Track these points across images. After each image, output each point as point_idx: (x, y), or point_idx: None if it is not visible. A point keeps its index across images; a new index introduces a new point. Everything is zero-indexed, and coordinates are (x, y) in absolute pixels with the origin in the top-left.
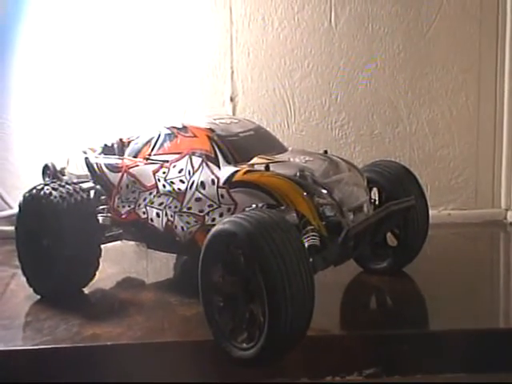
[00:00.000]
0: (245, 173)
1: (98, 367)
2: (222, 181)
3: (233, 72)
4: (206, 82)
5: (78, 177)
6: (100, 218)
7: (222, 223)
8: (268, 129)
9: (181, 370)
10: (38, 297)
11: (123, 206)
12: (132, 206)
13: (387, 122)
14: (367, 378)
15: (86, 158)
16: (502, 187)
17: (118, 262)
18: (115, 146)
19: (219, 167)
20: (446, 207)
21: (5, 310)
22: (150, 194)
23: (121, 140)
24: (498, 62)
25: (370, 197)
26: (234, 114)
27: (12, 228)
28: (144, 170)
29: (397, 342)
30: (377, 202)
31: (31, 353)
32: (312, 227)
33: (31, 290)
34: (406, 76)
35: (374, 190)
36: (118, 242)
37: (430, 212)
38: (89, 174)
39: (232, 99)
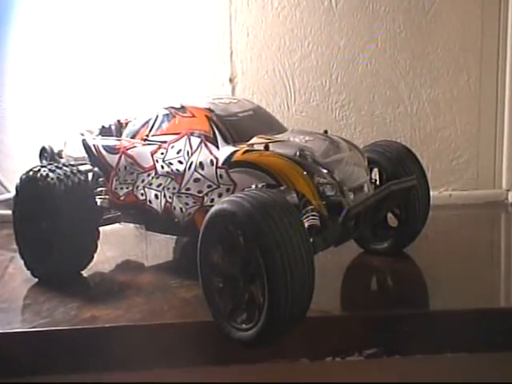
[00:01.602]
0: (244, 153)
1: (96, 349)
2: (220, 161)
3: (232, 53)
4: (204, 63)
5: (76, 159)
6: (98, 201)
7: (221, 203)
8: (268, 110)
9: (180, 352)
10: (37, 280)
11: (121, 188)
12: (130, 188)
13: (388, 102)
14: (368, 359)
15: (84, 140)
16: (504, 168)
17: (117, 245)
18: (113, 127)
19: (218, 147)
20: (447, 188)
21: (3, 293)
22: (149, 175)
23: (118, 121)
24: (500, 42)
25: (371, 177)
26: (233, 95)
27: (9, 212)
28: (142, 152)
29: (397, 323)
30: (377, 183)
31: (30, 335)
32: (312, 207)
33: (29, 273)
34: (407, 56)
35: (375, 170)
36: (118, 225)
37: (431, 193)
38: (86, 155)
39: (231, 80)
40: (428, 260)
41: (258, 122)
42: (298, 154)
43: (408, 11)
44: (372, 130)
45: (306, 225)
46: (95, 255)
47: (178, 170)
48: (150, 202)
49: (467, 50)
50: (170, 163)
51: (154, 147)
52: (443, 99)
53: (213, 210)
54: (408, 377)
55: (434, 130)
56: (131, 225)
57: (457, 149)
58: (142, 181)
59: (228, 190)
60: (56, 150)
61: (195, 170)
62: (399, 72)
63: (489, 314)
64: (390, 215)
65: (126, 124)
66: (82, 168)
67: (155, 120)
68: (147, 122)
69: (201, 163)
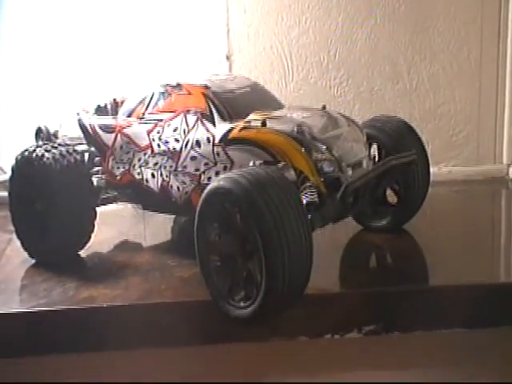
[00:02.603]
0: (241, 130)
1: (94, 329)
2: (217, 138)
3: (228, 30)
4: (201, 40)
5: (72, 139)
6: (94, 180)
7: (218, 180)
8: (266, 87)
9: (178, 331)
10: (34, 261)
11: (118, 168)
12: (127, 168)
13: (387, 78)
14: (367, 336)
15: (79, 120)
16: (504, 143)
17: (115, 225)
18: (109, 106)
19: (214, 125)
20: (447, 164)
21: (0, 274)
22: (145, 154)
23: (114, 100)
24: (501, 16)
25: (370, 153)
26: (230, 72)
27: (6, 193)
28: (138, 130)
29: (396, 299)
30: (376, 158)
31: (27, 315)
32: (310, 183)
33: (27, 254)
34: (406, 31)
35: (374, 145)
36: (116, 205)
37: (431, 169)
38: (82, 135)
39: (228, 58)
40: (427, 236)
41: (255, 98)
42: (295, 130)
43: None
44: (371, 107)
45: (304, 201)
46: (93, 235)
47: (174, 148)
48: (146, 181)
49: (468, 25)
50: (167, 141)
51: (150, 126)
52: (443, 74)
53: (209, 187)
54: (407, 353)
55: (434, 105)
56: (129, 205)
57: (457, 124)
58: (139, 160)
59: (225, 167)
60: (52, 130)
61: (192, 148)
62: (398, 47)
63: (489, 289)
64: (389, 192)
65: (122, 103)
66: (77, 148)
67: (151, 98)
68: (143, 101)
69: (197, 141)
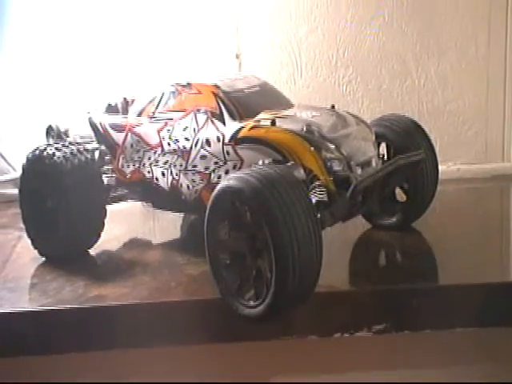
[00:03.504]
0: (250, 129)
1: (103, 328)
2: (227, 137)
3: (238, 29)
4: (210, 39)
5: (82, 137)
6: (105, 179)
7: (228, 179)
8: (275, 86)
9: (188, 329)
10: (44, 259)
11: (128, 166)
12: (137, 166)
13: (395, 75)
14: (376, 334)
15: (90, 118)
16: None
17: (124, 223)
18: (119, 105)
19: (224, 124)
20: (456, 162)
21: (11, 272)
22: (155, 152)
23: (125, 99)
24: (508, 13)
25: (379, 151)
26: (239, 71)
27: (16, 191)
28: (148, 129)
29: (406, 297)
30: (385, 157)
31: (37, 314)
32: (320, 182)
33: (36, 251)
34: (414, 28)
35: (383, 144)
36: (125, 203)
37: (439, 167)
38: (93, 134)
39: (237, 56)
40: (437, 234)
41: (265, 97)
42: (305, 129)
43: None
44: (379, 104)
45: (314, 200)
46: (102, 233)
47: (184, 146)
48: (156, 179)
49: (475, 22)
50: (177, 140)
51: (160, 124)
52: (451, 72)
53: (219, 186)
54: (417, 352)
55: (442, 103)
56: (138, 202)
57: (465, 122)
58: (149, 158)
59: (235, 166)
60: (62, 129)
61: (202, 147)
62: (406, 45)
63: (498, 287)
64: (398, 190)
65: (133, 102)
66: (88, 146)
67: (161, 97)
68: (153, 100)
69: (207, 140)
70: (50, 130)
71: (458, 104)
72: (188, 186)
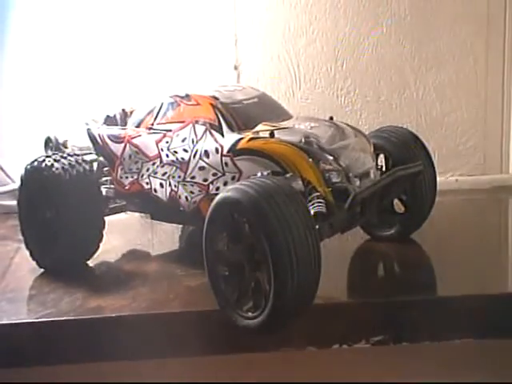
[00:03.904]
0: (249, 140)
1: (102, 339)
2: (225, 149)
3: (236, 40)
4: (209, 50)
5: (81, 149)
6: (103, 190)
7: (226, 191)
8: (273, 97)
9: (186, 341)
10: (42, 270)
11: (126, 177)
12: (135, 177)
13: (394, 87)
14: (375, 346)
15: (89, 130)
16: (511, 152)
17: (122, 234)
18: (118, 116)
19: (223, 135)
20: (454, 173)
21: (9, 284)
22: (154, 164)
23: (123, 110)
24: (506, 25)
25: (377, 163)
26: (238, 82)
27: (15, 202)
28: (147, 140)
29: (405, 309)
30: (383, 168)
31: (35, 326)
32: (318, 194)
33: (35, 263)
34: (412, 41)
35: (381, 156)
36: (123, 214)
37: (438, 178)
38: (91, 145)
39: (236, 67)
40: (435, 246)
41: (263, 109)
42: (303, 140)
43: None
44: (378, 116)
45: (312, 212)
46: (101, 245)
47: (183, 158)
48: (155, 190)
49: (473, 35)
50: (175, 151)
51: (158, 136)
52: (449, 84)
53: (218, 198)
54: (416, 364)
55: (440, 115)
56: (136, 213)
57: (463, 134)
58: (147, 169)
59: (233, 177)
60: (61, 140)
61: (200, 158)
62: (405, 57)
63: (497, 299)
64: (396, 201)
65: (131, 113)
66: (86, 157)
67: (160, 108)
68: (152, 111)
69: (206, 151)
70: (48, 142)
71: (456, 116)
72: (186, 198)
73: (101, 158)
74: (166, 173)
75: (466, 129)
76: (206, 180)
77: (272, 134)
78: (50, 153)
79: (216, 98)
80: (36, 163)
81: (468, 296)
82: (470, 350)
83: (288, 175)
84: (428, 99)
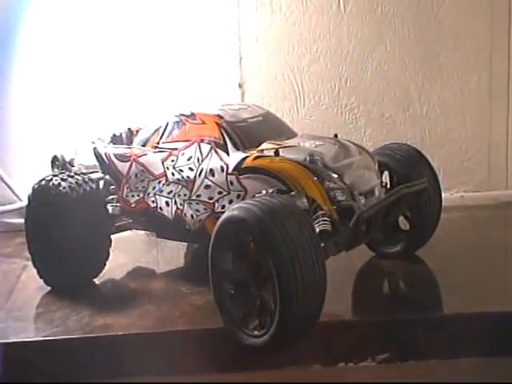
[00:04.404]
0: (254, 159)
1: (109, 357)
2: (231, 167)
3: (241, 58)
4: (214, 68)
5: (87, 167)
6: (109, 208)
7: (232, 209)
8: (277, 114)
9: (192, 359)
10: (49, 288)
11: (132, 196)
12: (141, 195)
13: (398, 104)
14: (381, 364)
15: (95, 148)
16: None
17: (128, 252)
18: (124, 135)
19: (228, 154)
20: (459, 189)
21: (16, 302)
22: (159, 182)
23: (129, 129)
24: (510, 41)
25: (382, 180)
26: (242, 100)
27: (22, 220)
28: (153, 159)
29: (410, 327)
30: (388, 186)
31: (42, 344)
32: (323, 212)
33: (42, 281)
34: (416, 58)
35: (385, 173)
36: (128, 232)
37: (443, 195)
38: (97, 164)
39: (240, 86)
40: (441, 263)
41: (268, 127)
42: (308, 159)
43: (416, 13)
44: (382, 133)
45: (317, 230)
46: (107, 262)
47: (188, 176)
48: (160, 209)
49: (477, 51)
50: (181, 170)
51: (164, 154)
52: (453, 100)
53: (223, 216)
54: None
55: (445, 131)
56: (142, 231)
57: (468, 150)
58: (153, 188)
59: (239, 196)
60: (67, 159)
61: (206, 177)
62: (409, 74)
63: (503, 317)
64: (401, 218)
65: (137, 132)
66: (93, 176)
67: (165, 127)
68: (158, 130)
69: (211, 170)
70: (55, 160)
71: (460, 132)
72: (192, 216)
73: (107, 177)
74: (171, 191)
75: (471, 145)
76: (211, 198)
77: (277, 153)
78: (56, 171)
79: (221, 117)
80: (43, 182)
81: (474, 314)
82: (476, 368)
83: (293, 193)
84: (432, 115)
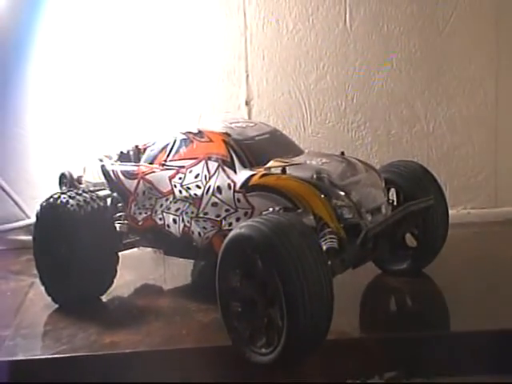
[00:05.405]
0: (261, 176)
1: (116, 375)
2: (238, 185)
3: (248, 76)
4: (221, 86)
5: (95, 185)
6: (117, 226)
7: (239, 227)
8: (284, 132)
9: (200, 377)
10: (57, 305)
11: (140, 213)
12: (149, 213)
13: (404, 121)
14: (388, 382)
15: (103, 166)
16: None
17: (135, 269)
18: (131, 152)
19: (235, 171)
20: (466, 206)
21: (24, 319)
22: (167, 200)
23: (137, 147)
24: None
25: (388, 197)
26: (249, 117)
27: (30, 238)
28: (160, 176)
29: (417, 345)
30: (395, 203)
31: (50, 362)
32: (330, 230)
33: (50, 298)
34: (422, 75)
35: (392, 190)
36: (136, 249)
37: (449, 212)
38: (105, 181)
39: (247, 103)
40: (448, 280)
41: (275, 145)
42: (314, 176)
43: (422, 31)
44: (388, 150)
45: (324, 247)
46: (114, 280)
47: (195, 194)
48: (168, 226)
49: (483, 68)
50: (188, 188)
51: (171, 172)
52: (460, 117)
53: (231, 234)
54: None
55: (451, 148)
56: (150, 249)
57: (474, 166)
58: (161, 205)
59: (246, 213)
60: (75, 176)
61: (213, 195)
62: (415, 91)
63: (510, 334)
64: (408, 235)
65: (145, 149)
66: (101, 194)
67: (173, 145)
68: (165, 147)
69: (218, 187)
70: (63, 178)
71: (467, 149)
72: (199, 233)
73: (114, 194)
74: (179, 208)
75: (477, 161)
76: (218, 216)
77: (284, 170)
78: (64, 189)
79: (228, 135)
80: (51, 200)
81: (481, 331)
82: None
83: (300, 211)
84: (439, 132)
